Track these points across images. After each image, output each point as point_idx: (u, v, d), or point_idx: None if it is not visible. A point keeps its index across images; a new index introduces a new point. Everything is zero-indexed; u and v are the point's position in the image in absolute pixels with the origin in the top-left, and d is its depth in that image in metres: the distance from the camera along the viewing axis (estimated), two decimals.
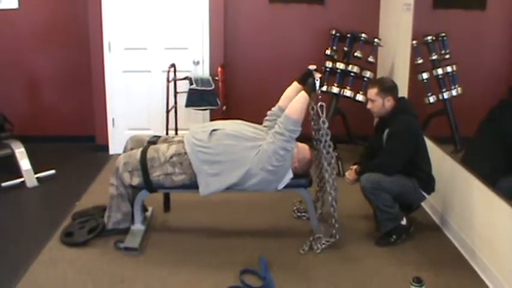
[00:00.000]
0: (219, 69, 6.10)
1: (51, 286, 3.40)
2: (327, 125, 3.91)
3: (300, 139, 3.88)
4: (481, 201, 3.69)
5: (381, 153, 4.04)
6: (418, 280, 3.02)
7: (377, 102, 4.07)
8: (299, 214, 4.55)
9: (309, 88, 3.88)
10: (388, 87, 4.10)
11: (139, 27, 6.24)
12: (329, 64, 5.90)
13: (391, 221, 3.97)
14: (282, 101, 4.23)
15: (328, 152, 3.94)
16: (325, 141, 3.92)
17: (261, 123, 4.26)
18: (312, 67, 4.06)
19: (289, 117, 3.74)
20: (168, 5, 6.20)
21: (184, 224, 4.42)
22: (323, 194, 4.42)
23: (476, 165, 3.86)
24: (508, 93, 3.75)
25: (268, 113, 4.29)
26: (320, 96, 3.98)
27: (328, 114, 5.81)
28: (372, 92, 4.09)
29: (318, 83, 3.89)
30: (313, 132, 4.25)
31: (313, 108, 4.07)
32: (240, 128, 3.99)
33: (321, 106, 3.89)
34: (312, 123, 4.22)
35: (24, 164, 5.35)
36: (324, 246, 3.93)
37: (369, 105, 4.14)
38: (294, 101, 3.86)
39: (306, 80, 4.01)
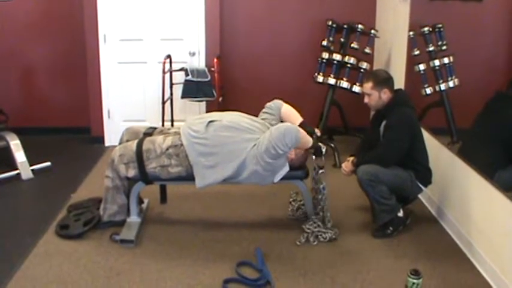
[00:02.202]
0: (215, 60, 6.07)
1: (47, 279, 3.38)
2: (326, 191, 4.04)
3: None
4: (479, 193, 3.68)
5: (378, 145, 4.03)
6: (416, 272, 3.03)
7: (373, 96, 4.05)
8: (295, 206, 4.53)
9: (314, 150, 4.00)
10: (382, 79, 4.08)
11: (135, 18, 6.21)
12: (325, 55, 5.88)
13: (387, 213, 3.97)
14: (285, 110, 4.27)
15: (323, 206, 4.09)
16: (322, 206, 4.09)
17: (257, 115, 4.24)
18: (317, 132, 4.20)
19: (298, 136, 3.75)
20: None
21: (181, 216, 4.41)
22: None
23: (473, 157, 3.85)
24: (507, 86, 3.73)
25: (267, 105, 4.28)
26: (321, 165, 4.07)
27: (324, 107, 5.86)
28: (367, 86, 4.07)
29: (324, 151, 4.00)
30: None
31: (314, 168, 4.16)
32: (237, 119, 3.97)
33: (322, 173, 4.04)
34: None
35: (19, 156, 5.33)
36: (321, 240, 3.94)
37: (366, 100, 4.12)
38: (306, 135, 3.91)
39: (305, 129, 4.00)
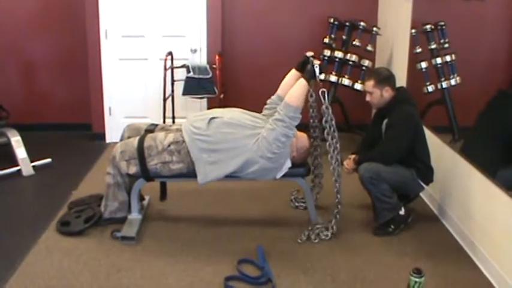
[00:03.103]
0: (217, 57, 6.06)
1: (48, 275, 3.38)
2: (330, 110, 3.88)
3: (297, 127, 3.85)
4: (481, 192, 3.67)
5: (380, 143, 4.02)
6: (418, 271, 3.02)
7: (375, 94, 4.04)
8: (297, 203, 4.54)
9: (308, 75, 3.84)
10: (384, 77, 4.07)
11: (137, 14, 6.20)
12: (327, 52, 5.88)
13: (389, 211, 3.96)
14: (280, 89, 4.21)
15: (333, 138, 3.90)
16: (330, 126, 3.89)
17: (259, 111, 4.23)
18: (310, 54, 4.02)
19: (289, 104, 3.72)
20: None
21: (182, 213, 4.41)
22: (320, 180, 4.41)
23: (475, 155, 3.85)
24: (509, 84, 3.72)
25: (268, 101, 4.27)
26: (320, 83, 3.94)
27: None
28: (369, 84, 4.06)
29: (317, 70, 3.83)
30: (311, 120, 4.24)
31: (311, 95, 4.03)
32: (239, 116, 3.97)
33: (323, 92, 3.84)
34: (311, 110, 4.19)
35: (20, 152, 5.33)
36: (322, 238, 3.93)
37: (368, 98, 4.11)
38: (293, 88, 3.83)
39: (304, 67, 3.98)
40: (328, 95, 3.87)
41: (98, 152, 6.02)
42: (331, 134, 3.90)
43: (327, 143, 3.92)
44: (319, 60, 3.92)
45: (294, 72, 4.16)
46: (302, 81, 3.82)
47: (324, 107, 3.88)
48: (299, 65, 4.11)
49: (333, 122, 3.90)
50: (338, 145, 3.93)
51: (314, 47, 6.19)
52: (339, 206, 3.96)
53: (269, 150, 3.73)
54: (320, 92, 3.85)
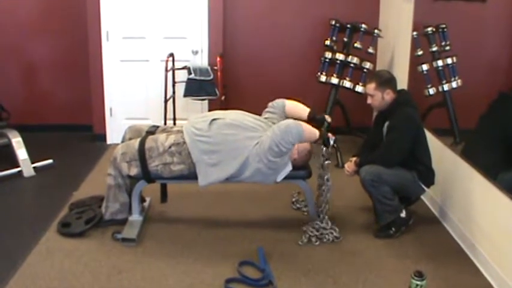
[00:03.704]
0: (218, 59, 6.06)
1: (49, 277, 3.38)
2: (330, 182, 4.00)
3: None
4: (482, 195, 3.67)
5: (381, 146, 4.02)
6: (420, 274, 3.01)
7: (376, 97, 4.04)
8: (298, 206, 4.54)
9: (322, 140, 3.92)
10: (385, 80, 4.07)
11: (138, 16, 6.20)
12: (328, 54, 5.87)
13: (390, 214, 3.96)
14: (289, 106, 4.25)
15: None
16: (325, 198, 4.02)
17: (260, 113, 4.24)
18: (329, 119, 4.13)
19: (301, 131, 3.72)
20: None
21: (182, 215, 4.40)
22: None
23: (476, 158, 3.84)
24: (511, 86, 3.72)
25: (270, 104, 4.27)
26: (327, 156, 4.03)
27: (327, 108, 5.85)
28: (370, 86, 4.06)
29: (331, 142, 3.95)
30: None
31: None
32: (241, 117, 3.97)
33: (328, 160, 4.00)
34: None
35: (21, 153, 5.33)
36: (323, 240, 3.93)
37: (369, 100, 4.11)
38: (311, 127, 3.86)
39: (314, 120, 4.06)
40: (329, 168, 4.04)
41: (99, 153, 6.02)
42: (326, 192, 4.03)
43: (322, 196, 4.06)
44: (334, 134, 4.04)
45: (306, 111, 4.19)
46: (317, 134, 3.87)
47: (325, 178, 4.01)
48: (312, 117, 4.14)
49: (329, 195, 4.02)
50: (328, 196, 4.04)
51: (315, 48, 6.24)
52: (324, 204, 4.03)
53: (265, 157, 3.73)
54: (325, 164, 4.02)
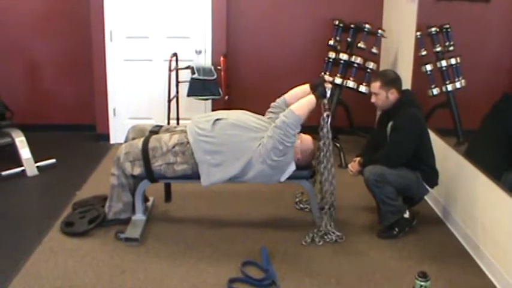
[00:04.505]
0: (221, 58, 6.07)
1: (52, 276, 3.38)
2: (330, 135, 3.91)
3: (302, 130, 3.85)
4: (486, 195, 3.66)
5: (385, 146, 4.01)
6: (424, 275, 3.01)
7: (381, 96, 4.03)
8: (301, 206, 4.53)
9: (319, 94, 3.89)
10: (391, 79, 4.07)
11: (141, 15, 6.21)
12: (332, 55, 5.87)
13: (394, 214, 3.95)
14: (288, 97, 4.20)
15: (328, 161, 3.94)
16: (327, 151, 3.93)
17: (263, 113, 4.23)
18: (328, 78, 4.06)
19: (293, 112, 3.73)
20: None
21: (185, 215, 4.40)
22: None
23: (480, 158, 3.84)
24: None
25: (272, 104, 4.26)
26: (327, 106, 3.96)
27: (331, 106, 5.83)
28: (375, 85, 4.06)
29: (328, 92, 3.91)
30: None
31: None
32: (244, 118, 3.97)
33: (327, 115, 3.86)
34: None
35: (25, 152, 5.34)
36: (327, 240, 3.93)
37: (373, 99, 4.11)
38: (302, 100, 3.86)
39: (317, 87, 4.01)
40: (329, 120, 3.88)
41: (102, 152, 6.02)
42: (326, 157, 3.92)
43: (322, 165, 3.95)
44: (334, 85, 3.95)
45: (306, 87, 4.14)
46: (312, 97, 3.85)
47: (324, 130, 3.90)
48: (314, 84, 4.09)
49: (330, 147, 3.92)
50: (333, 169, 3.97)
51: (319, 48, 6.23)
52: (331, 208, 3.98)
53: (268, 157, 3.73)
54: (325, 115, 3.86)
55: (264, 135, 3.81)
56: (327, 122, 3.86)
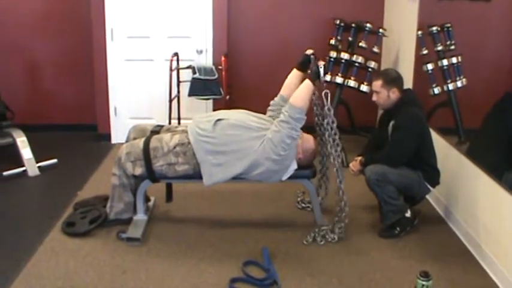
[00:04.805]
0: (223, 58, 6.06)
1: (53, 277, 3.38)
2: (332, 111, 3.87)
3: (303, 129, 3.85)
4: (487, 195, 3.66)
5: (387, 145, 4.01)
6: (426, 274, 3.01)
7: (382, 94, 4.03)
8: (303, 205, 4.53)
9: (313, 75, 3.83)
10: (392, 78, 4.06)
11: (142, 15, 6.21)
12: (333, 54, 5.86)
13: (395, 213, 3.95)
14: (283, 90, 4.20)
15: (334, 140, 3.89)
16: (331, 128, 3.88)
17: (265, 113, 4.23)
18: (310, 51, 4.03)
19: (294, 106, 3.71)
20: None
21: (187, 215, 4.40)
22: (326, 181, 4.41)
23: (481, 157, 3.83)
24: None
25: (271, 103, 4.25)
26: (325, 84, 3.92)
27: (332, 104, 5.82)
28: (377, 84, 4.05)
29: (322, 71, 3.83)
30: (315, 118, 4.23)
31: (314, 93, 4.03)
32: (245, 118, 3.96)
33: (326, 94, 3.82)
34: (315, 108, 4.20)
35: (26, 153, 5.34)
36: (328, 240, 3.92)
37: (374, 98, 4.10)
38: (298, 89, 3.83)
39: (305, 66, 4.02)
40: (329, 97, 3.83)
41: (104, 152, 6.02)
42: (332, 136, 3.89)
43: (329, 145, 3.92)
44: (323, 60, 3.91)
45: (295, 72, 4.15)
46: (307, 82, 3.82)
47: (326, 108, 3.87)
48: (300, 64, 4.11)
49: (334, 125, 3.89)
50: (339, 148, 3.92)
51: (320, 48, 6.19)
52: (346, 209, 3.93)
53: (275, 152, 3.72)
54: (323, 94, 3.83)
55: (265, 134, 3.80)
56: (328, 99, 3.83)
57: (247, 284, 3.33)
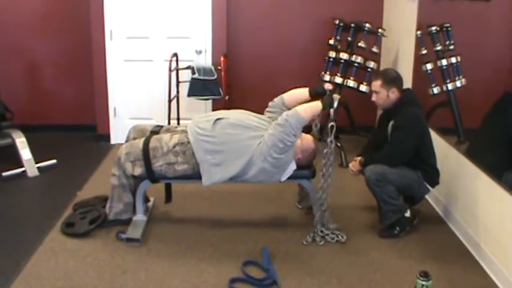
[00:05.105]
0: (222, 58, 6.06)
1: (53, 277, 3.38)
2: (333, 144, 3.90)
3: (303, 129, 3.85)
4: (487, 194, 3.66)
5: (386, 145, 4.01)
6: (426, 274, 3.01)
7: (381, 94, 4.03)
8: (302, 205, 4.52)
9: (326, 103, 3.84)
10: (392, 78, 4.06)
11: (142, 15, 6.21)
12: (332, 54, 5.87)
13: (395, 213, 3.95)
14: (287, 96, 4.18)
15: (327, 171, 3.95)
16: (328, 159, 3.93)
17: (263, 113, 4.22)
18: (329, 87, 4.08)
19: (298, 115, 3.72)
20: None
21: (186, 215, 4.40)
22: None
23: (481, 157, 3.83)
24: None
25: (270, 104, 4.25)
26: (333, 117, 3.91)
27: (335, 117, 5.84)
28: (376, 84, 4.05)
29: (335, 103, 3.87)
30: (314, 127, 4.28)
31: (319, 115, 4.08)
32: (244, 117, 3.96)
33: (332, 126, 3.84)
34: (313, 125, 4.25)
35: (25, 153, 5.33)
36: (328, 240, 3.93)
37: (374, 98, 4.11)
38: (308, 104, 3.86)
39: (317, 93, 4.03)
40: (334, 130, 3.88)
41: (103, 153, 6.02)
42: (326, 167, 3.94)
43: (321, 173, 3.97)
44: (337, 93, 3.96)
45: (305, 91, 4.15)
46: (319, 104, 3.83)
47: (328, 140, 3.90)
48: (315, 92, 4.09)
49: (332, 156, 3.93)
50: (329, 180, 3.96)
51: (319, 48, 6.23)
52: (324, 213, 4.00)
53: (269, 155, 3.72)
54: (329, 126, 3.84)
55: (264, 134, 3.81)
56: (332, 133, 3.85)
57: (247, 284, 3.33)
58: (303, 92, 4.13)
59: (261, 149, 3.74)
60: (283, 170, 3.86)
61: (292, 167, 3.89)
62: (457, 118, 4.63)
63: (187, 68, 5.95)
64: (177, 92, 5.87)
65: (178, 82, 5.86)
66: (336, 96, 3.91)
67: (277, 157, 3.73)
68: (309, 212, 4.32)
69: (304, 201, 4.46)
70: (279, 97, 4.23)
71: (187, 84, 5.92)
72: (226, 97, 6.09)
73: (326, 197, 3.96)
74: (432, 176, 4.08)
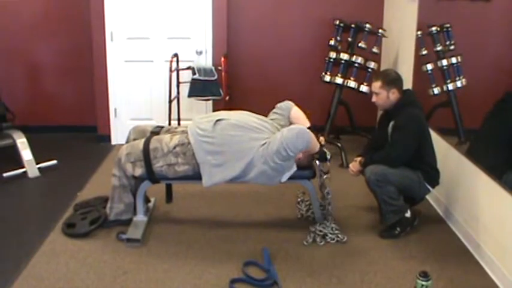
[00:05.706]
0: (222, 59, 6.07)
1: (53, 277, 3.38)
2: (331, 195, 4.03)
3: None
4: (487, 195, 3.66)
5: (387, 146, 4.01)
6: (425, 274, 3.01)
7: (382, 95, 4.03)
8: (303, 206, 4.51)
9: (319, 157, 3.98)
10: (392, 79, 4.06)
11: (142, 16, 6.21)
12: (333, 55, 5.87)
13: (395, 214, 3.95)
14: (294, 114, 4.26)
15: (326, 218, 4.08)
16: (328, 210, 4.05)
17: (264, 114, 4.23)
18: (322, 140, 4.12)
19: (308, 142, 3.74)
20: None
21: (187, 215, 4.40)
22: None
23: (481, 157, 3.83)
24: None
25: (278, 105, 4.28)
26: (326, 170, 4.08)
27: (331, 107, 5.85)
28: (376, 85, 4.05)
29: (328, 157, 3.98)
30: None
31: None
32: (245, 118, 3.96)
33: (327, 178, 3.97)
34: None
35: (26, 154, 5.34)
36: (328, 240, 3.93)
37: (374, 99, 4.10)
38: (314, 137, 3.88)
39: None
40: (329, 182, 4.08)
41: (104, 154, 6.02)
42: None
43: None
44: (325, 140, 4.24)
45: (307, 122, 4.21)
46: (318, 146, 3.93)
47: (325, 192, 4.06)
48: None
49: (330, 207, 4.07)
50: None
51: (319, 48, 6.23)
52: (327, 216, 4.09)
53: (271, 159, 3.71)
54: (325, 178, 4.06)
55: (266, 136, 3.81)
56: (328, 185, 4.03)
57: (247, 285, 3.33)
58: (305, 123, 4.15)
59: (263, 152, 3.73)
60: (282, 173, 3.86)
61: (293, 169, 3.89)
62: (458, 118, 4.63)
63: (188, 68, 5.95)
64: (178, 92, 5.86)
65: (178, 83, 5.86)
66: (329, 154, 4.00)
67: (278, 163, 3.72)
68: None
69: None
70: (288, 103, 4.27)
71: (188, 84, 5.92)
72: (227, 98, 6.09)
73: (330, 200, 4.03)
74: (432, 176, 4.07)
